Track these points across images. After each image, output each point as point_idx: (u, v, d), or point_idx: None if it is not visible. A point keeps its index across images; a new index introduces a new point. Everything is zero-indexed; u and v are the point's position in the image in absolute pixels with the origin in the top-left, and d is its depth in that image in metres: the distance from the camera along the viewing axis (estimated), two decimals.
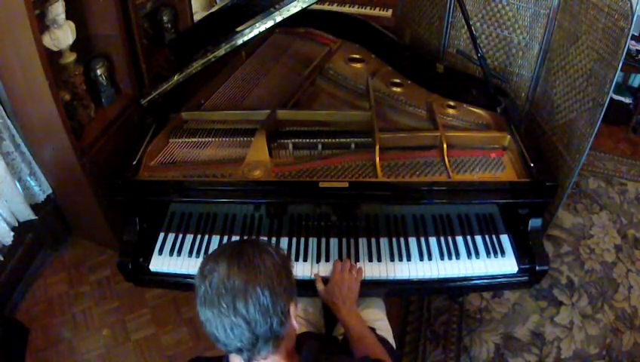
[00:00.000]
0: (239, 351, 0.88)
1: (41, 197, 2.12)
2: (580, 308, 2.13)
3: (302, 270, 1.45)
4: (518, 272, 1.48)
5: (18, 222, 2.05)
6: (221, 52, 1.56)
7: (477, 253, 1.50)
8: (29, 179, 2.03)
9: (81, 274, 2.26)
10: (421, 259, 1.48)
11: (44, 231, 2.25)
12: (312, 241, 1.52)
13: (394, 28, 2.61)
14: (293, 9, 1.48)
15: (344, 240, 1.52)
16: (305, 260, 1.48)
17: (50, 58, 1.69)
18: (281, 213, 1.50)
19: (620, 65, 1.54)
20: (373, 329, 1.35)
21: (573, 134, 1.81)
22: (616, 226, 2.53)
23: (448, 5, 2.07)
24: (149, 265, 1.48)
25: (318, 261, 1.47)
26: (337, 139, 1.59)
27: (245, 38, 1.54)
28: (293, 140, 1.59)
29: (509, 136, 1.61)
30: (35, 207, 2.10)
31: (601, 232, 2.50)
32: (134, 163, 1.49)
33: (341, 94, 1.82)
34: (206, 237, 1.53)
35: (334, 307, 1.31)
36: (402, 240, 1.52)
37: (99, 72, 1.98)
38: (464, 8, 1.66)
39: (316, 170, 1.51)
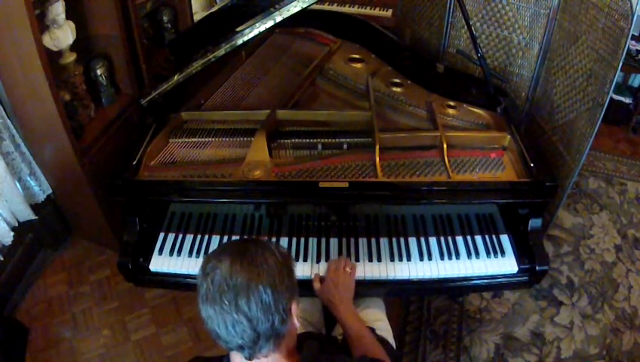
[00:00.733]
0: (240, 348, 0.88)
1: (41, 197, 2.12)
2: (580, 308, 2.13)
3: (302, 270, 1.45)
4: (518, 272, 1.48)
5: (18, 222, 2.05)
6: (221, 52, 1.56)
7: (477, 253, 1.50)
8: (29, 179, 2.03)
9: (81, 274, 2.26)
10: (421, 259, 1.48)
11: (44, 231, 2.25)
12: (312, 241, 1.52)
13: (394, 28, 2.62)
14: (293, 9, 1.48)
15: (344, 240, 1.52)
16: (305, 260, 1.48)
17: (50, 58, 1.69)
18: (281, 213, 1.50)
19: (620, 65, 1.54)
20: (372, 330, 1.35)
21: (573, 134, 1.81)
22: (616, 226, 2.53)
23: (448, 5, 2.07)
24: (149, 265, 1.48)
25: (318, 261, 1.47)
26: (337, 139, 1.59)
27: (245, 38, 1.54)
28: (293, 140, 1.59)
29: (509, 136, 1.61)
30: (35, 207, 2.10)
31: (601, 232, 2.50)
32: (134, 163, 1.49)
33: (341, 94, 1.82)
34: (206, 237, 1.53)
35: (331, 305, 1.31)
36: (402, 240, 1.52)
37: (99, 72, 1.98)
38: (464, 8, 1.66)
39: (316, 170, 1.51)
